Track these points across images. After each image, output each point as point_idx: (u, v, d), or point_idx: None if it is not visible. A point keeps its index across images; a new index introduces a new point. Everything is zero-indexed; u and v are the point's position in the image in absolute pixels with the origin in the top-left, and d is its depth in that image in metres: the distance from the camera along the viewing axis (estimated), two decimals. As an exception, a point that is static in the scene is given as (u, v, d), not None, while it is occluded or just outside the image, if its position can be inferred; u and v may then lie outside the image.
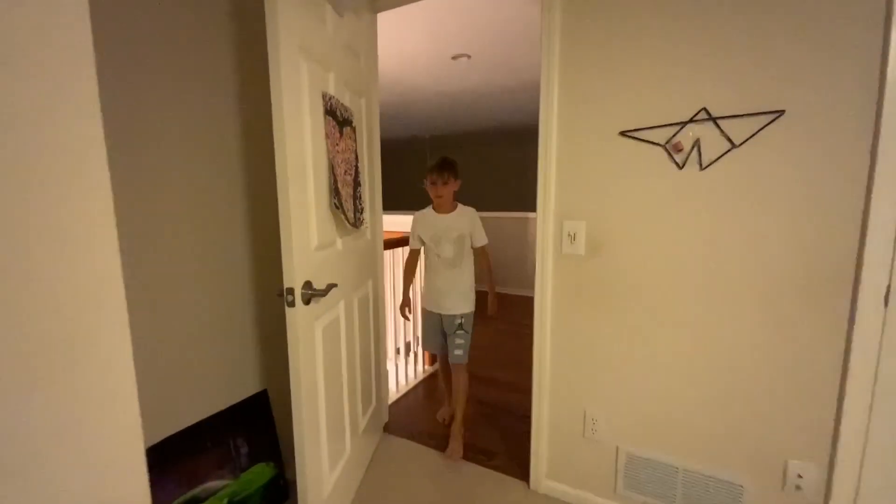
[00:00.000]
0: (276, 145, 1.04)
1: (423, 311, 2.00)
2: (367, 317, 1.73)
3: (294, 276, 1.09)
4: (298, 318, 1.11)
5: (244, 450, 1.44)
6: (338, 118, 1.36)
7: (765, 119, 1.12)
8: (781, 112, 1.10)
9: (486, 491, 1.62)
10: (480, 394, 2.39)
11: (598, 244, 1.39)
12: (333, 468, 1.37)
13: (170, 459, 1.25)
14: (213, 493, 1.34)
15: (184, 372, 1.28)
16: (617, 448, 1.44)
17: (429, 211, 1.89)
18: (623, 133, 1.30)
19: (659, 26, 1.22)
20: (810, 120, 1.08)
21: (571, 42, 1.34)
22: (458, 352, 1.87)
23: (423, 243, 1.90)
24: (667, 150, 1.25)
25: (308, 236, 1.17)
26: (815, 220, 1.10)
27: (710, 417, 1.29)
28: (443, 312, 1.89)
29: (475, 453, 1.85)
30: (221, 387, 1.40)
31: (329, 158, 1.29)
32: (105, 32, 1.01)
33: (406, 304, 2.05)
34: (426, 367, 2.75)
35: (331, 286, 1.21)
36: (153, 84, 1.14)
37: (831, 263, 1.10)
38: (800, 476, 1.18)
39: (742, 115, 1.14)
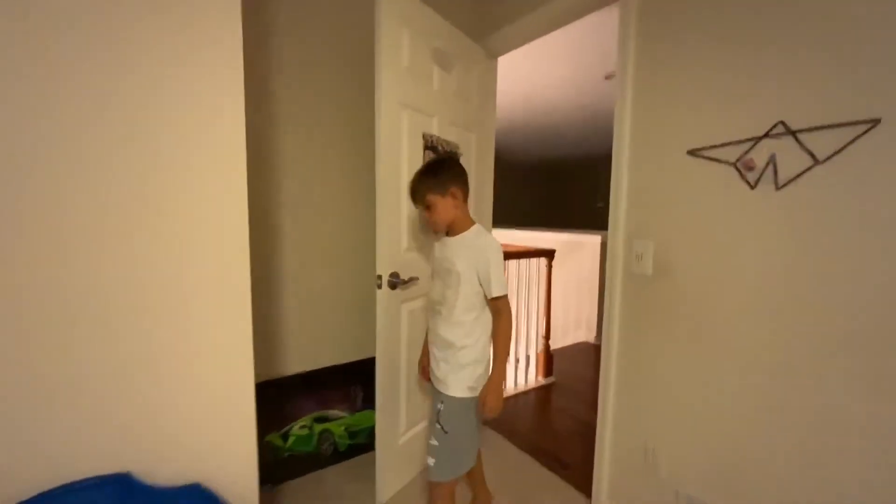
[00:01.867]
0: (376, 171, 1.48)
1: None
2: (463, 313, 2.04)
3: (382, 267, 1.51)
4: (384, 298, 1.53)
5: (360, 396, 1.95)
6: (438, 152, 1.74)
7: (855, 130, 0.95)
8: (877, 121, 0.92)
9: (549, 495, 1.70)
10: (576, 410, 2.38)
11: (666, 265, 1.35)
12: (410, 427, 1.73)
13: (313, 385, 1.84)
14: (336, 419, 1.89)
15: (327, 330, 1.87)
16: (676, 491, 1.33)
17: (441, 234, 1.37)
18: (690, 152, 1.26)
19: (726, 36, 1.16)
20: (920, 128, 0.88)
21: (643, 61, 1.37)
22: (430, 460, 1.27)
23: None
24: (737, 168, 1.16)
25: (399, 239, 1.58)
26: (923, 251, 0.88)
27: (784, 476, 1.10)
28: (437, 387, 1.33)
29: (552, 461, 1.91)
30: (350, 346, 1.95)
31: (426, 182, 1.67)
32: (290, 57, 1.65)
33: (424, 361, 1.47)
34: (539, 377, 2.85)
35: (413, 279, 1.59)
36: (318, 93, 1.76)
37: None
38: (904, 583, 0.91)
39: (827, 127, 0.99)
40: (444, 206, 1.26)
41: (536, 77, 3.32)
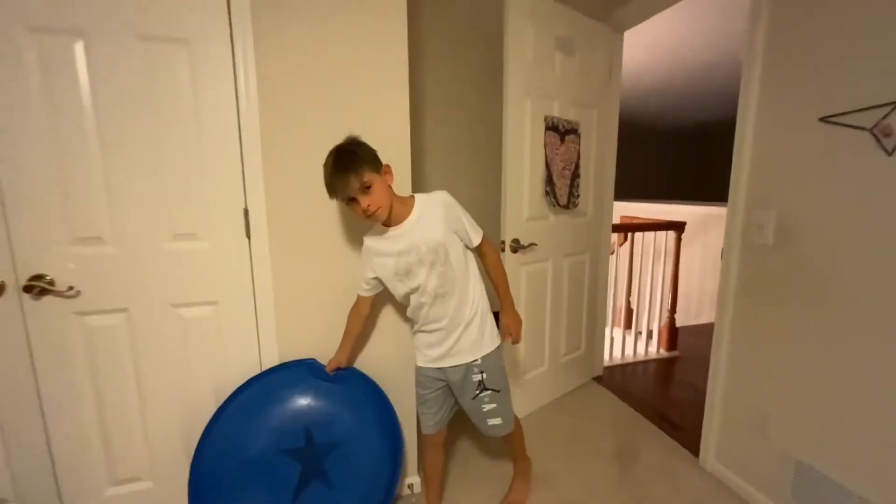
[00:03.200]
0: (503, 152, 1.76)
1: (418, 369, 1.32)
2: (580, 281, 2.23)
3: (506, 234, 1.81)
4: (507, 260, 1.83)
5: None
6: (559, 130, 1.93)
7: None
8: None
9: (657, 451, 1.83)
10: (695, 381, 2.36)
11: (789, 235, 1.34)
12: (530, 369, 2.04)
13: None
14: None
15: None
16: (787, 452, 1.37)
17: (378, 231, 1.21)
18: (823, 119, 1.22)
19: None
20: None
21: (775, 23, 1.34)
22: (494, 421, 1.30)
23: (380, 285, 1.26)
24: (873, 134, 1.11)
25: (521, 210, 1.85)
26: None
27: (909, 451, 1.08)
28: (446, 366, 1.25)
29: (664, 422, 2.02)
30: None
31: (546, 160, 1.89)
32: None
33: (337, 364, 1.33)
34: (662, 350, 2.85)
35: (531, 244, 1.85)
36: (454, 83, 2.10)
37: None
38: None
39: (983, 85, 0.92)
40: (382, 185, 1.10)
41: (676, 38, 3.12)
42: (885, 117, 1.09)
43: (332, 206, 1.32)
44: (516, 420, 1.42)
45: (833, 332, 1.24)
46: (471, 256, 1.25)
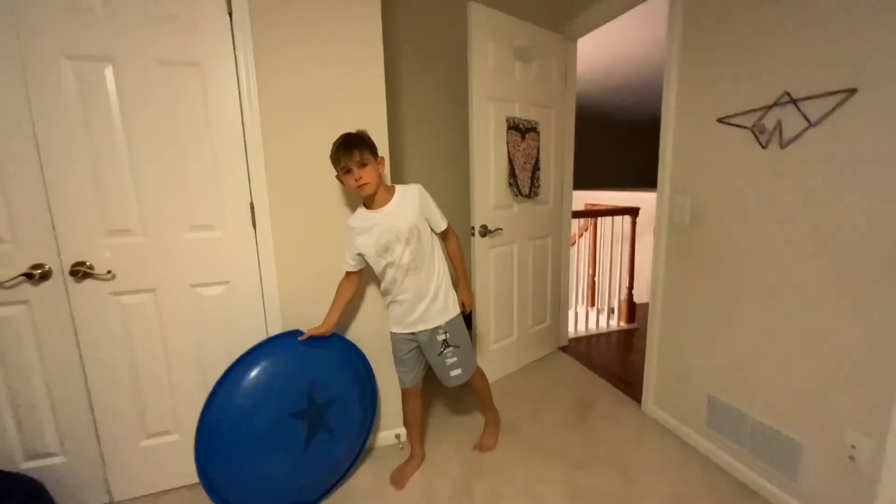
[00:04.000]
0: (470, 151, 2.03)
1: (393, 335, 1.57)
2: (543, 261, 2.52)
3: (475, 220, 2.08)
4: (477, 244, 2.10)
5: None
6: (520, 129, 2.21)
7: (838, 98, 1.18)
8: (853, 91, 1.14)
9: (608, 402, 2.15)
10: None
11: (700, 215, 1.65)
12: (499, 340, 2.33)
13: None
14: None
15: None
16: (702, 391, 1.69)
17: (361, 213, 1.45)
18: (719, 119, 1.53)
19: (749, 22, 1.39)
20: (882, 97, 1.09)
21: (687, 42, 1.64)
22: (455, 372, 1.55)
23: (363, 262, 1.49)
24: (753, 132, 1.42)
25: (488, 200, 2.12)
26: (878, 193, 1.11)
27: (783, 378, 1.40)
28: (417, 330, 1.50)
29: (618, 381, 2.34)
30: (455, 282, 2.59)
31: (509, 156, 2.17)
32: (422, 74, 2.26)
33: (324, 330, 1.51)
34: (622, 322, 3.18)
35: (498, 229, 2.13)
36: (426, 88, 2.36)
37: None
38: (853, 447, 1.21)
39: (818, 96, 1.23)
40: (374, 169, 1.35)
41: (635, 40, 3.43)
42: (760, 119, 1.39)
43: (325, 199, 1.57)
44: (482, 374, 1.72)
45: (730, 291, 1.55)
46: (436, 240, 1.52)
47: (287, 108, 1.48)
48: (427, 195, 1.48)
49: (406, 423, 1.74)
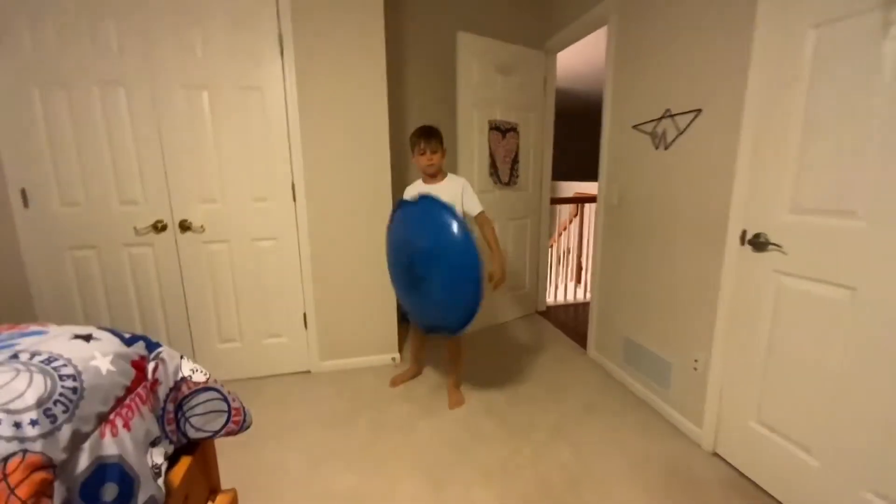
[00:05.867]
0: (457, 147, 2.60)
1: None
2: (523, 238, 3.07)
3: (461, 201, 2.66)
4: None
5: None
6: (501, 129, 2.76)
7: (693, 115, 1.68)
8: (699, 111, 1.64)
9: (562, 349, 2.70)
10: None
11: (623, 199, 2.17)
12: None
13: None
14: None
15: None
16: (622, 334, 2.22)
17: (418, 183, 1.95)
18: (633, 127, 2.03)
19: (650, 53, 1.89)
20: (715, 115, 1.58)
21: (618, 63, 2.14)
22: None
23: None
24: (651, 137, 1.92)
25: (472, 186, 2.69)
26: (713, 182, 1.61)
27: (662, 320, 1.92)
28: None
29: (577, 337, 2.87)
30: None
31: (490, 151, 2.73)
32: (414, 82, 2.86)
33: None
34: (598, 295, 3.68)
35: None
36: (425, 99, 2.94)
37: (719, 214, 1.58)
38: (696, 360, 1.72)
39: (683, 113, 1.72)
40: (440, 154, 1.87)
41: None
42: (654, 127, 1.90)
43: (344, 183, 2.21)
44: (463, 344, 2.22)
45: (639, 254, 2.07)
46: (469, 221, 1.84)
47: (318, 117, 2.12)
48: (469, 186, 1.92)
49: (411, 354, 2.34)
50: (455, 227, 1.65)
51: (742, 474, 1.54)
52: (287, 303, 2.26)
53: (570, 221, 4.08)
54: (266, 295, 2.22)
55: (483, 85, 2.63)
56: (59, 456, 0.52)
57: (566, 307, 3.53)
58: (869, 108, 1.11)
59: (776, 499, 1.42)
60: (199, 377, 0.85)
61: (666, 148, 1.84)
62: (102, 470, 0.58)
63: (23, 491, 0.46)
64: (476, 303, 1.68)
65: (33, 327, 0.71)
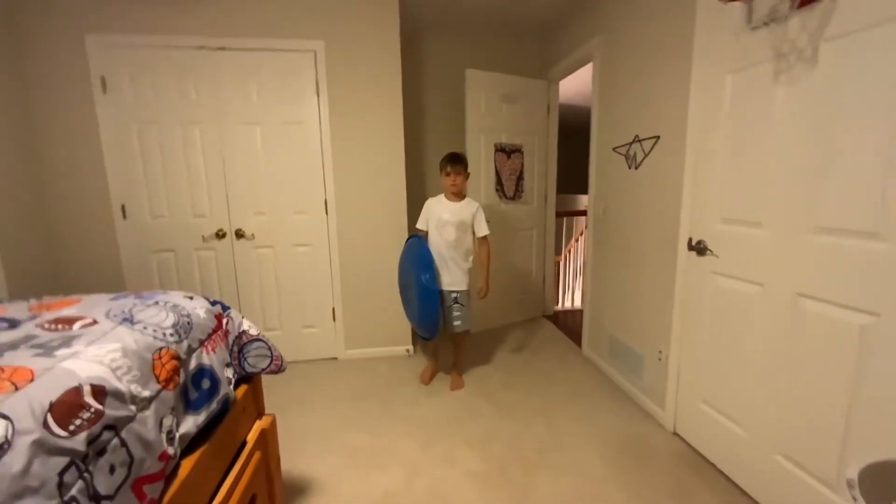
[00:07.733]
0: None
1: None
2: (528, 246, 3.39)
3: (469, 214, 3.04)
4: (471, 230, 3.06)
5: (468, 288, 3.55)
6: (506, 151, 3.12)
7: (653, 141, 1.98)
8: (658, 137, 1.94)
9: (561, 348, 2.97)
10: None
11: (606, 212, 2.46)
12: (491, 301, 3.24)
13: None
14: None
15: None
16: (608, 332, 2.49)
17: (441, 197, 2.24)
18: (613, 149, 2.34)
19: (623, 88, 2.21)
20: (670, 140, 1.88)
21: (602, 93, 2.46)
22: (457, 322, 2.25)
23: (427, 226, 2.24)
24: (625, 157, 2.22)
25: (479, 200, 3.06)
26: (669, 197, 1.89)
27: (636, 318, 2.18)
28: (443, 288, 2.20)
29: (576, 337, 3.14)
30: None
31: (497, 170, 3.09)
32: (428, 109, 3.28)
33: None
34: (604, 302, 3.90)
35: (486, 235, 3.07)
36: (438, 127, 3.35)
37: (673, 224, 1.86)
38: (660, 351, 1.98)
39: (647, 139, 2.02)
40: (465, 178, 2.21)
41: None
42: (627, 150, 2.20)
43: (367, 200, 2.64)
44: (468, 338, 2.59)
45: (619, 260, 2.35)
46: (470, 239, 2.28)
47: (346, 146, 2.58)
48: (481, 211, 2.27)
49: (427, 353, 2.74)
50: (425, 272, 2.14)
51: (695, 450, 1.78)
52: (319, 299, 2.70)
53: (581, 234, 4.34)
54: (302, 291, 2.67)
55: (489, 114, 3.01)
56: (182, 355, 0.94)
57: (573, 312, 3.78)
58: (766, 137, 1.40)
59: (718, 468, 1.66)
60: (253, 332, 1.26)
61: (636, 168, 2.14)
62: (202, 370, 0.99)
63: (168, 366, 0.87)
64: (427, 318, 2.20)
65: (159, 292, 1.14)
